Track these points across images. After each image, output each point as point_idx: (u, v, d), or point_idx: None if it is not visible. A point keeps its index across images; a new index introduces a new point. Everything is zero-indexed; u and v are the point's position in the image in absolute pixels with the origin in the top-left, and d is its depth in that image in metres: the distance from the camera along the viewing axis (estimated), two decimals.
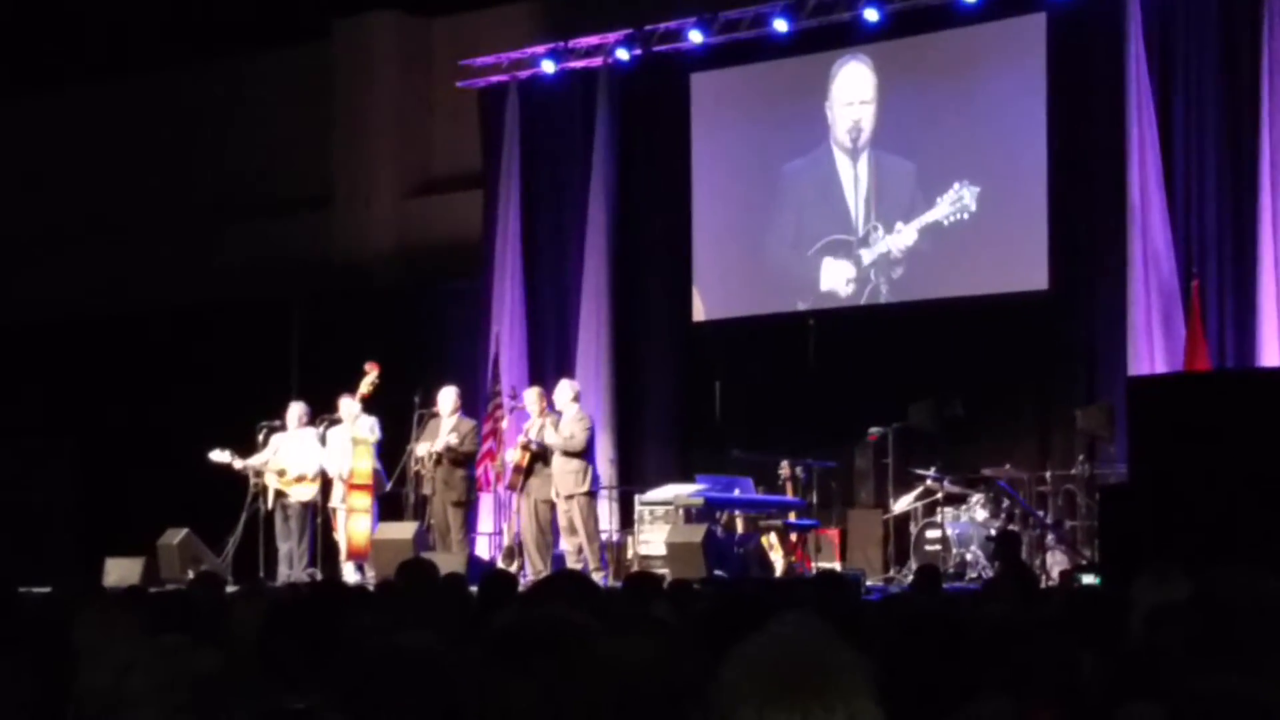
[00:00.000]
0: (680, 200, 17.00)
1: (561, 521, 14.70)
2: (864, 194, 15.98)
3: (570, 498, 14.48)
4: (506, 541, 15.36)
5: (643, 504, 14.99)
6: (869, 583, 13.24)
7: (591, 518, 14.65)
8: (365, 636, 3.92)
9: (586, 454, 14.61)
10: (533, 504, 14.77)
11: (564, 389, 14.91)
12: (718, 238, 16.92)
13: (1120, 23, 14.07)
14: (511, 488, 14.97)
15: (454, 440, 14.84)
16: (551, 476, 14.59)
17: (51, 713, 4.48)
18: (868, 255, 15.91)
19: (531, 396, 15.10)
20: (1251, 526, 9.25)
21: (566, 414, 14.66)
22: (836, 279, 16.10)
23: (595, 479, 14.78)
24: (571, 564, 14.28)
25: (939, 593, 9.17)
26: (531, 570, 14.40)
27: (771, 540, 14.33)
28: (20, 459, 19.46)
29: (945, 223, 15.43)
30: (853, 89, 16.11)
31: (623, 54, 17.00)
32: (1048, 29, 14.95)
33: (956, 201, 15.36)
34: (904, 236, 15.69)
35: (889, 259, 15.78)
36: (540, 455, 14.73)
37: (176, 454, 16.87)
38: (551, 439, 14.53)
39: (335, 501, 15.28)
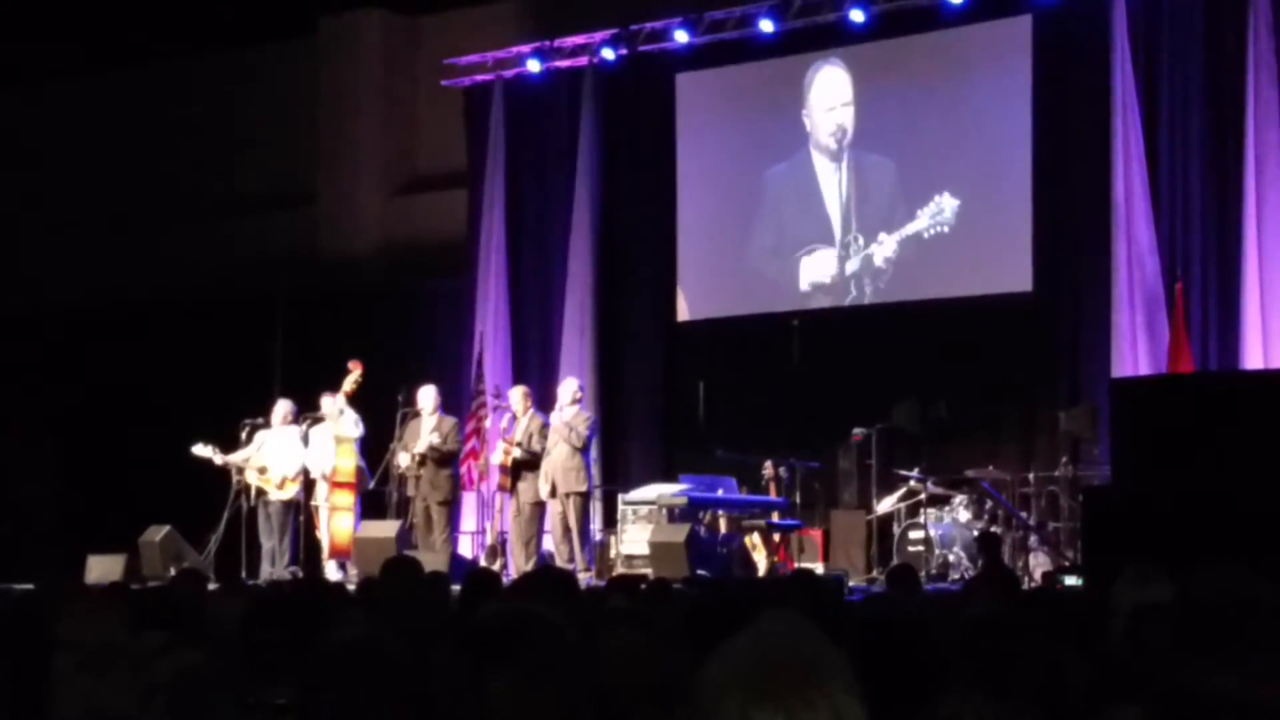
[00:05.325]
0: (665, 200, 16.99)
1: (554, 520, 14.69)
2: (845, 199, 15.96)
3: (569, 496, 14.49)
4: (490, 540, 15.35)
5: (626, 503, 14.96)
6: (851, 583, 13.24)
7: (584, 517, 14.68)
8: (342, 633, 3.91)
9: (586, 452, 14.64)
10: (519, 505, 14.77)
11: (568, 387, 14.91)
12: (702, 238, 16.90)
13: (1106, 25, 14.09)
14: (502, 488, 14.96)
15: (436, 440, 14.83)
16: (541, 477, 14.60)
17: (32, 709, 4.46)
18: (850, 264, 15.90)
19: (516, 396, 15.09)
20: (1234, 528, 9.26)
21: (570, 411, 14.67)
22: (817, 283, 16.08)
23: (591, 478, 14.82)
24: (559, 564, 14.25)
25: (916, 592, 9.17)
26: (515, 570, 14.38)
27: (754, 540, 14.33)
28: (2, 455, 19.40)
29: (925, 235, 15.44)
30: (833, 93, 16.11)
31: (608, 53, 16.98)
32: (1033, 31, 14.95)
33: (937, 214, 15.35)
34: (885, 248, 15.68)
35: (871, 267, 15.78)
36: (526, 459, 14.71)
37: (159, 451, 16.84)
38: (538, 447, 14.59)
39: (318, 500, 15.26)
